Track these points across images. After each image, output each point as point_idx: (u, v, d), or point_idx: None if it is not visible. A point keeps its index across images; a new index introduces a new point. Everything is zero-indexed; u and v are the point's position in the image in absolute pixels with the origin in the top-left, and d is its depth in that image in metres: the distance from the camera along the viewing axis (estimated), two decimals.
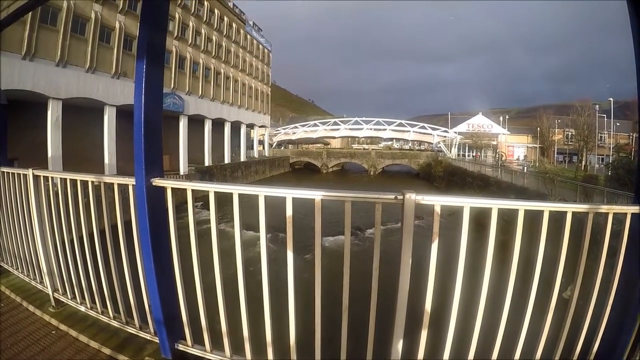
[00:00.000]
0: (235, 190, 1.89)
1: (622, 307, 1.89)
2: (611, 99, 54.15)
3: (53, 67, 20.78)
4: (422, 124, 72.46)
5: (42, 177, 2.89)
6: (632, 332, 1.91)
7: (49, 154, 19.94)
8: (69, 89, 21.62)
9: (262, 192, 1.83)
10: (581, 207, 1.85)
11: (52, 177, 2.85)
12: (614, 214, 1.85)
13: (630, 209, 1.86)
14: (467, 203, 1.68)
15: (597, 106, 55.00)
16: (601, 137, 55.90)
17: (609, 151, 48.31)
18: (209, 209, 1.98)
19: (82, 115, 23.76)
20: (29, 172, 2.90)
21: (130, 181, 2.18)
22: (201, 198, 2.01)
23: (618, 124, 55.46)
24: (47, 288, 2.97)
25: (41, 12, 19.75)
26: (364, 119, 74.49)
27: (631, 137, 52.89)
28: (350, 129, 75.21)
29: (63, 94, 21.21)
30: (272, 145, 69.80)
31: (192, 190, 2.05)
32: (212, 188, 1.95)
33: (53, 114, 20.52)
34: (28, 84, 18.98)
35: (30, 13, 15.81)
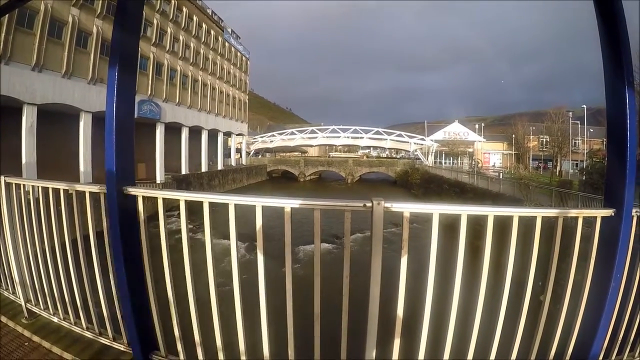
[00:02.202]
0: (206, 198, 1.87)
1: (595, 308, 1.94)
2: (584, 106, 55.88)
3: (29, 72, 20.41)
4: (399, 132, 73.58)
5: (13, 185, 2.81)
6: (606, 332, 1.97)
7: (23, 161, 19.46)
8: (44, 94, 21.23)
9: (232, 201, 1.81)
10: (551, 212, 1.91)
11: (23, 185, 2.78)
12: (585, 217, 1.90)
13: (600, 213, 1.92)
14: (436, 210, 1.70)
15: (570, 113, 56.85)
16: (575, 143, 57.57)
17: (582, 157, 49.91)
18: None
19: (57, 121, 23.31)
20: (1, 179, 2.82)
21: (101, 189, 2.13)
22: (177, 207, 1.99)
23: (591, 130, 57.19)
24: (19, 299, 2.88)
25: (18, 14, 19.37)
26: (341, 127, 75.04)
27: (604, 142, 54.31)
28: (327, 137, 75.61)
29: (38, 99, 20.80)
30: (249, 154, 69.87)
31: (165, 199, 2.02)
32: (182, 197, 1.94)
33: (28, 120, 20.08)
34: (3, 88, 18.51)
35: (6, 15, 15.46)
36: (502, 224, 1.80)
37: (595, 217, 1.91)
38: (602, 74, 1.95)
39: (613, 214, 1.90)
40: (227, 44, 50.77)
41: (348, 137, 74.13)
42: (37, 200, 2.60)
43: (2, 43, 18.50)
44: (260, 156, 74.82)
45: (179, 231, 1.91)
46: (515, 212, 1.79)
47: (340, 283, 1.71)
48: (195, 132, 40.40)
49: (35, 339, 2.60)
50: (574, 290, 1.91)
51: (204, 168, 42.11)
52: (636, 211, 1.95)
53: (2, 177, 2.82)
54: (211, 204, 1.88)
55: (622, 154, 1.86)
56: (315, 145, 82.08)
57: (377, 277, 1.66)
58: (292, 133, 78.21)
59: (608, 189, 2.01)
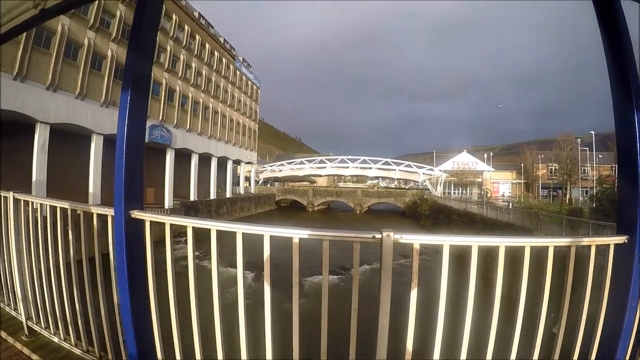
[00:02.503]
0: (214, 226, 1.86)
1: (611, 339, 1.88)
2: (592, 132, 55.65)
3: (43, 90, 20.78)
4: (407, 163, 73.34)
5: (22, 201, 2.84)
6: None
7: (33, 178, 19.61)
8: (57, 113, 21.57)
9: (239, 229, 1.79)
10: (563, 241, 1.86)
11: (32, 202, 2.80)
12: (597, 245, 1.86)
13: (612, 240, 1.88)
14: (446, 241, 1.67)
15: (579, 140, 56.53)
16: (584, 169, 57.07)
17: (592, 183, 49.34)
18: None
19: (69, 141, 23.58)
20: (10, 195, 2.85)
21: (109, 212, 2.14)
22: (184, 233, 1.97)
23: (600, 156, 56.78)
24: (20, 315, 2.87)
25: (35, 33, 19.89)
26: (350, 157, 74.94)
27: (613, 168, 54.14)
28: (336, 167, 75.47)
29: (52, 118, 21.12)
30: (258, 182, 70.04)
31: (172, 225, 2.01)
32: (190, 223, 1.93)
33: (40, 138, 20.36)
34: (17, 105, 18.89)
35: (24, 33, 15.93)
36: (514, 255, 1.76)
37: (609, 245, 1.88)
38: (610, 98, 1.95)
39: (626, 241, 1.87)
40: (238, 72, 51.53)
41: (357, 168, 73.91)
42: (44, 218, 2.61)
43: (18, 61, 18.95)
44: (269, 185, 75.25)
45: (185, 258, 1.90)
46: (527, 242, 1.76)
47: (347, 316, 1.66)
48: (205, 159, 40.58)
49: (34, 357, 2.58)
50: (588, 321, 1.86)
51: (212, 195, 42.14)
52: None
53: (12, 193, 2.86)
54: (219, 232, 1.86)
55: (633, 179, 1.84)
56: (324, 175, 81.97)
57: (387, 310, 1.62)
58: (301, 162, 78.26)
59: (620, 215, 1.99)
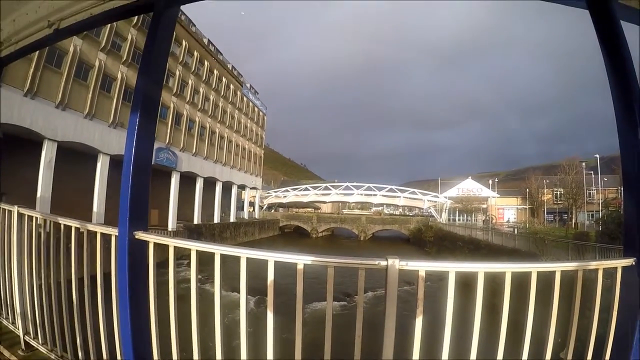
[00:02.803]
0: (218, 250, 1.85)
1: None
2: (597, 155, 55.53)
3: (52, 109, 21.13)
4: (412, 190, 73.70)
5: (26, 216, 2.84)
6: None
7: (38, 194, 19.74)
8: (65, 132, 21.87)
9: (244, 254, 1.78)
10: (570, 266, 1.84)
11: (36, 217, 2.81)
12: (605, 269, 1.84)
13: (620, 263, 1.86)
14: (452, 268, 1.66)
15: (584, 164, 56.45)
16: (590, 193, 56.74)
17: (598, 207, 49.01)
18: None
19: (75, 160, 23.82)
20: (14, 209, 2.87)
21: (113, 232, 2.14)
22: (187, 256, 1.97)
23: (606, 179, 56.41)
24: (18, 329, 2.85)
25: (47, 52, 20.38)
26: (354, 184, 75.31)
27: (619, 190, 53.84)
28: (341, 194, 75.71)
29: (59, 136, 21.41)
30: (262, 208, 69.87)
31: (176, 248, 2.01)
32: (194, 247, 1.92)
33: (47, 155, 20.57)
34: (26, 121, 19.20)
35: (37, 52, 16.30)
36: (520, 280, 1.75)
37: (616, 268, 1.86)
38: (614, 121, 1.95)
39: (634, 263, 1.84)
40: (245, 99, 52.26)
41: (361, 194, 74.11)
42: (48, 235, 2.61)
43: (29, 78, 19.35)
44: (273, 210, 75.26)
45: (187, 280, 1.89)
46: (534, 268, 1.75)
47: (351, 343, 1.64)
48: (209, 182, 40.79)
49: None
50: (596, 345, 1.82)
51: (216, 219, 42.15)
52: None
53: (16, 207, 2.87)
54: (222, 256, 1.86)
55: (639, 201, 1.82)
56: (329, 202, 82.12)
57: (391, 338, 1.59)
58: (306, 189, 78.69)
59: (627, 238, 1.96)
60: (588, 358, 1.82)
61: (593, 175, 55.59)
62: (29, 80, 19.32)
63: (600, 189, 54.67)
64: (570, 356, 1.79)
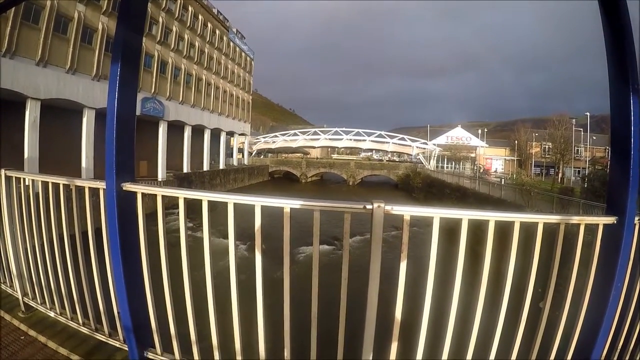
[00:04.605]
0: (205, 197, 1.86)
1: (595, 316, 1.92)
2: (588, 113, 55.77)
3: (33, 67, 20.44)
4: (401, 136, 73.62)
5: (14, 178, 2.80)
6: (606, 340, 1.95)
7: (25, 156, 19.50)
8: (48, 89, 21.25)
9: (231, 200, 1.79)
10: (553, 218, 1.88)
11: (24, 179, 2.77)
12: (587, 224, 1.89)
13: (602, 220, 1.90)
14: (437, 213, 1.68)
15: (574, 120, 56.74)
16: (578, 150, 57.43)
17: (585, 164, 49.84)
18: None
19: (60, 117, 23.33)
20: (1, 173, 2.82)
21: (101, 185, 2.12)
22: (178, 205, 1.97)
23: (594, 138, 57.06)
24: (16, 292, 2.87)
25: (24, 9, 19.45)
26: (344, 129, 74.84)
27: (607, 150, 54.53)
28: (330, 139, 75.50)
29: (42, 94, 20.83)
30: (251, 154, 69.75)
31: (165, 197, 2.01)
32: (181, 194, 1.92)
33: (31, 115, 20.13)
34: (7, 82, 18.57)
35: (12, 9, 15.52)
36: (503, 230, 1.78)
37: (598, 225, 1.90)
38: (607, 81, 1.94)
39: (615, 222, 1.89)
40: (231, 44, 50.84)
41: (350, 140, 73.98)
42: (37, 195, 2.59)
43: (7, 37, 18.58)
44: (262, 156, 74.79)
45: (179, 229, 1.90)
46: (517, 218, 1.77)
47: (338, 286, 1.69)
48: (198, 131, 40.47)
49: (32, 333, 2.60)
50: (574, 297, 1.89)
51: (205, 167, 42.21)
52: (638, 219, 1.94)
53: (3, 170, 2.82)
54: (211, 203, 1.87)
55: (625, 162, 1.85)
56: (318, 147, 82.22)
57: (376, 281, 1.63)
58: (295, 134, 78.23)
59: (610, 197, 1.99)
60: (566, 308, 1.90)
61: (582, 133, 56.04)
62: (7, 40, 18.55)
63: (588, 146, 55.34)
64: (548, 306, 1.86)
